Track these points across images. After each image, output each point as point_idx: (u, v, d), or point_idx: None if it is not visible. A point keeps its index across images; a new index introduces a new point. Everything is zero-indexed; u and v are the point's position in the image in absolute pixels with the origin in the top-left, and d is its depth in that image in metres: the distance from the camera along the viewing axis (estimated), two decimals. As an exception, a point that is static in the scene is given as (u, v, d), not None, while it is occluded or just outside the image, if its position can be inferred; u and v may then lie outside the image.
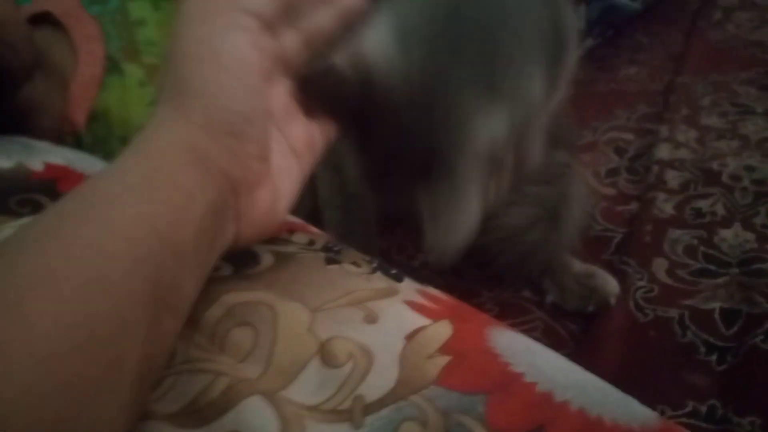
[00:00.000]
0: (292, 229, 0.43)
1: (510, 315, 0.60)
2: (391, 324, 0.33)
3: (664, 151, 0.78)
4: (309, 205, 0.71)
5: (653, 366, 0.54)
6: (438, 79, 0.39)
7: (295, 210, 0.44)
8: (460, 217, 0.39)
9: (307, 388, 0.28)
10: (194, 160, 0.31)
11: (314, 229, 0.45)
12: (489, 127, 0.39)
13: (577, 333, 0.58)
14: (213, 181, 0.32)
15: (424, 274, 0.45)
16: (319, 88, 0.38)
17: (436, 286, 0.39)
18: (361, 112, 0.39)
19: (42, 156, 0.46)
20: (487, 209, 0.41)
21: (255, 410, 0.27)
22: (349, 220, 0.67)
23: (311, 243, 0.41)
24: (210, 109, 0.33)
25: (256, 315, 0.32)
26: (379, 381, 0.29)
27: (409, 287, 0.38)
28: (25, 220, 0.38)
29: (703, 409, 0.49)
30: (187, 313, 0.30)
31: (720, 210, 0.68)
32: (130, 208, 0.28)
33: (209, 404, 0.28)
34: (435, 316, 0.34)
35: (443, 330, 0.33)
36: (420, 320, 0.34)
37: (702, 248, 0.64)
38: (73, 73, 0.71)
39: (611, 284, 0.60)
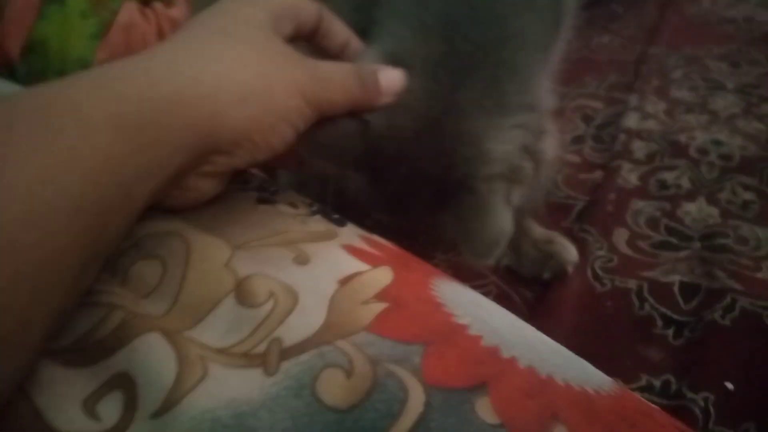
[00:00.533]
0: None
1: (463, 278, 0.56)
2: (324, 267, 0.29)
3: (631, 121, 0.75)
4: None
5: (608, 337, 0.51)
6: (443, 106, 0.37)
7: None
8: (492, 231, 0.39)
9: (216, 329, 0.24)
10: (206, 118, 0.27)
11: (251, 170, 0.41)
12: (502, 141, 0.38)
13: (531, 300, 0.55)
14: (207, 141, 0.27)
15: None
16: (329, 143, 0.35)
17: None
18: (368, 159, 0.37)
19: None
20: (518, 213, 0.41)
21: (151, 349, 0.23)
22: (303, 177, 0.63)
23: (244, 182, 0.37)
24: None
25: (167, 247, 0.28)
26: (302, 323, 0.25)
27: (350, 232, 0.34)
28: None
29: (657, 383, 0.47)
30: None
31: (685, 183, 0.66)
32: (105, 143, 0.23)
33: (99, 341, 0.24)
34: (375, 262, 0.31)
35: (382, 276, 0.29)
36: (358, 265, 0.30)
37: (665, 220, 0.62)
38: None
39: (570, 252, 0.57)
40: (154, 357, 0.23)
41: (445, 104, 0.37)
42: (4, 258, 0.20)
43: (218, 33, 0.29)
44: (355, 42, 0.37)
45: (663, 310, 0.53)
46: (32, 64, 0.69)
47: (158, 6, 0.75)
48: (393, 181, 0.38)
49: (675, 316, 0.52)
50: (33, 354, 0.23)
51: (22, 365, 0.22)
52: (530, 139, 0.40)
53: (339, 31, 0.36)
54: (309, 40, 0.36)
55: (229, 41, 0.28)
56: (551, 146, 0.44)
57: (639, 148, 0.72)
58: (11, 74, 0.68)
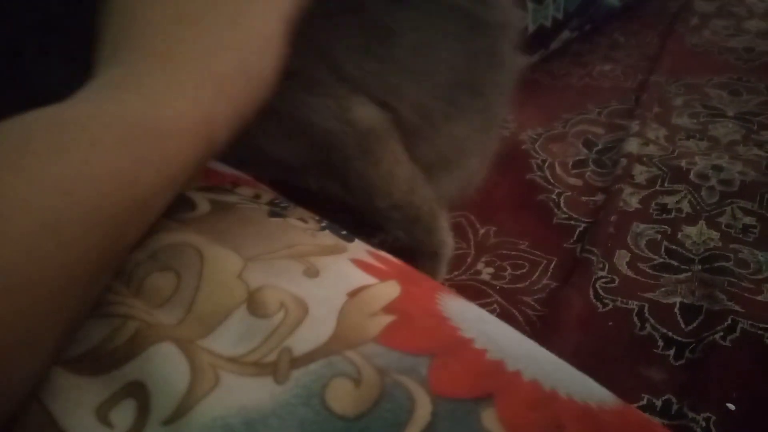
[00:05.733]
0: (236, 182, 0.40)
1: (466, 297, 0.57)
2: (333, 279, 0.30)
3: (633, 146, 0.76)
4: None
5: (609, 356, 0.52)
6: None
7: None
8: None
9: (228, 338, 0.25)
10: (205, 128, 0.28)
11: (263, 186, 0.42)
12: None
13: (534, 318, 0.56)
14: (208, 150, 0.28)
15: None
16: None
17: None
18: None
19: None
20: None
21: (164, 358, 0.24)
22: None
23: (256, 197, 0.38)
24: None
25: (181, 259, 0.28)
26: (312, 334, 0.25)
27: (359, 247, 0.35)
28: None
29: (658, 403, 0.47)
30: None
31: (686, 207, 0.67)
32: (114, 158, 0.24)
33: (113, 351, 0.24)
34: (383, 276, 0.31)
35: (390, 290, 0.30)
36: (366, 278, 0.31)
37: (665, 243, 0.62)
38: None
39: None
40: (166, 366, 0.23)
41: None
42: (21, 267, 0.20)
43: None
44: None
45: (664, 330, 0.53)
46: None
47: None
48: None
49: (676, 337, 0.52)
50: (46, 361, 0.23)
51: (34, 371, 0.23)
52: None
53: None
54: None
55: None
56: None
57: (640, 173, 0.72)
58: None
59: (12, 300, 0.20)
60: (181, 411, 0.22)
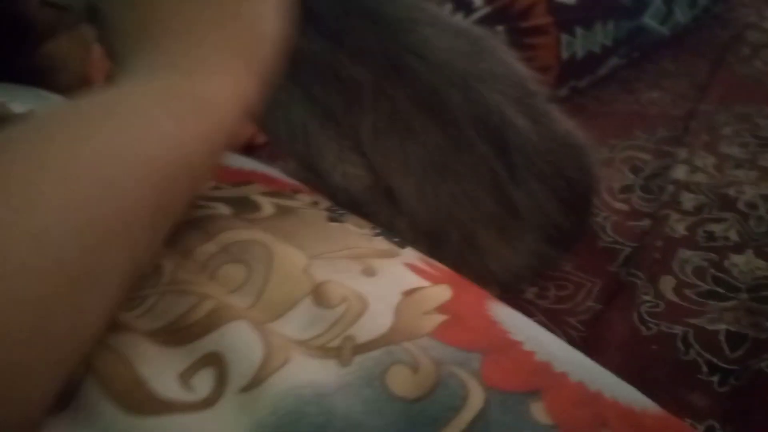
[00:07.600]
0: (296, 190, 0.42)
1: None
2: (389, 279, 0.32)
3: (680, 173, 0.76)
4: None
5: (652, 380, 0.52)
6: None
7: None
8: None
9: (296, 324, 0.27)
10: (240, 100, 0.31)
11: (319, 194, 0.44)
12: None
13: (577, 339, 0.56)
14: (242, 113, 0.31)
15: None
16: None
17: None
18: None
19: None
20: None
21: (239, 334, 0.26)
22: None
23: (315, 203, 0.40)
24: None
25: (251, 253, 0.31)
26: (372, 325, 0.27)
27: (411, 253, 0.37)
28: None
29: (701, 429, 0.47)
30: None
31: (733, 235, 0.67)
32: (158, 123, 0.27)
33: (192, 324, 0.26)
34: (435, 280, 0.33)
35: (442, 292, 0.32)
36: (419, 281, 0.32)
37: (712, 271, 0.62)
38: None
39: None
40: (242, 341, 0.25)
41: None
42: (80, 212, 0.23)
43: None
44: None
45: (708, 356, 0.53)
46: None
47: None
48: None
49: (721, 364, 0.52)
50: (112, 299, 0.25)
51: (103, 306, 0.25)
52: None
53: None
54: None
55: None
56: None
57: (687, 200, 0.72)
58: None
59: (83, 238, 0.23)
60: (256, 381, 0.24)
